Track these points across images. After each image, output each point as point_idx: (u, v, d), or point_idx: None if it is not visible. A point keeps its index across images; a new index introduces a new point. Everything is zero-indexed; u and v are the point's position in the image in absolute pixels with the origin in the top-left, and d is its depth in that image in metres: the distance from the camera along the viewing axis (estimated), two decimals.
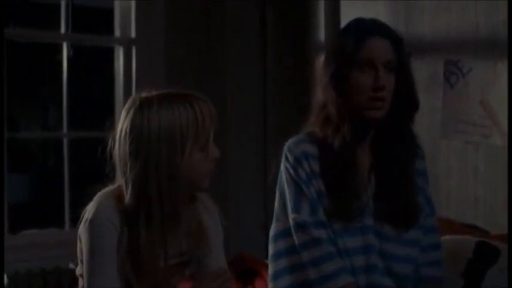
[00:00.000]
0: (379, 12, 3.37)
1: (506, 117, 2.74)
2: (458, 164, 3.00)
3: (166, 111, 1.69)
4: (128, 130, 1.70)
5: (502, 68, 2.78)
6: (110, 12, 3.81)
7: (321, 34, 3.67)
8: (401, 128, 1.84)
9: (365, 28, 1.82)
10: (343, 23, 3.53)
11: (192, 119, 1.69)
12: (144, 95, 1.74)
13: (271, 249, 1.92)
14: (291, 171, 1.84)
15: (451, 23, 3.03)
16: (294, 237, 1.84)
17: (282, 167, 1.88)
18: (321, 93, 1.85)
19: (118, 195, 1.74)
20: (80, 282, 1.84)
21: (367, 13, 3.41)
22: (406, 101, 1.83)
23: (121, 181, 1.74)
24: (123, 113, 1.74)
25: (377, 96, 1.77)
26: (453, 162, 3.02)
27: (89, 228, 1.72)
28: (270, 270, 1.91)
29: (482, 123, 2.88)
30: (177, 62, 3.73)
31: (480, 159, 2.90)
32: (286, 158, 1.86)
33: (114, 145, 1.75)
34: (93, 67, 5.72)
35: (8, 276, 3.12)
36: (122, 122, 1.73)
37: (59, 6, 3.75)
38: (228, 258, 3.77)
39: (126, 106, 1.74)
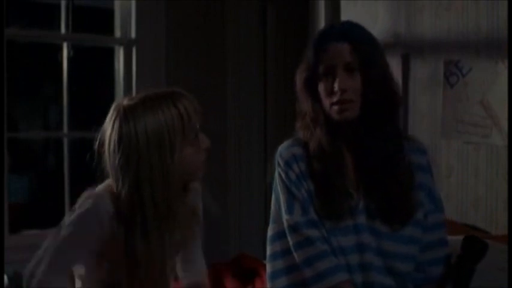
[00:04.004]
0: (379, 12, 3.37)
1: (506, 117, 2.74)
2: (458, 164, 3.00)
3: (152, 115, 1.69)
4: (116, 142, 1.70)
5: (502, 68, 2.78)
6: (110, 12, 3.82)
7: None
8: (379, 125, 1.85)
9: (322, 37, 1.88)
10: None
11: (177, 118, 1.71)
12: (126, 102, 1.74)
13: (268, 251, 1.95)
14: (283, 174, 1.90)
15: (451, 23, 3.03)
16: (288, 238, 1.87)
17: (276, 172, 1.94)
18: (300, 100, 1.94)
19: (111, 197, 1.74)
20: (77, 283, 1.84)
21: (367, 13, 3.43)
22: (378, 99, 1.83)
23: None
24: (109, 123, 1.73)
25: (337, 100, 1.82)
26: (453, 162, 3.02)
27: (79, 217, 1.71)
28: (268, 270, 1.94)
29: (482, 123, 2.87)
30: (177, 62, 3.73)
31: (481, 159, 2.90)
32: (278, 163, 1.93)
33: (103, 151, 1.76)
34: (94, 67, 5.71)
35: (8, 276, 3.12)
36: (110, 134, 1.72)
37: (59, 6, 3.75)
38: (229, 258, 3.79)
39: (111, 115, 1.74)
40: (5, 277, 3.00)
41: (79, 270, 1.82)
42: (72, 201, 3.53)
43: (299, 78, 1.92)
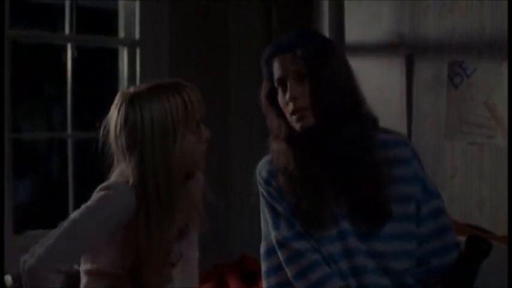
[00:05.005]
0: (383, 13, 3.37)
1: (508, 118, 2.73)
2: (462, 165, 2.99)
3: (157, 102, 1.74)
4: (122, 124, 1.75)
5: (506, 68, 2.78)
6: (114, 13, 3.82)
7: (325, 35, 3.67)
8: (340, 128, 1.82)
9: (267, 53, 1.88)
10: (348, 24, 3.54)
11: (181, 106, 1.75)
12: (132, 89, 1.80)
13: (262, 268, 1.94)
14: (264, 192, 1.91)
15: (456, 24, 3.02)
16: (279, 254, 1.87)
17: (259, 190, 1.94)
18: (265, 116, 1.93)
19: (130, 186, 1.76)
20: (83, 279, 1.85)
21: (371, 13, 3.42)
22: (333, 102, 1.81)
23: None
24: (115, 109, 1.78)
25: (292, 109, 1.82)
26: (458, 163, 3.01)
27: (98, 206, 1.73)
28: (264, 286, 1.94)
29: (487, 124, 2.87)
30: (181, 62, 3.73)
31: (485, 160, 2.89)
32: (259, 181, 1.93)
33: (108, 140, 1.80)
34: (98, 68, 5.72)
35: (12, 277, 3.13)
36: (116, 118, 1.77)
37: (63, 7, 3.75)
38: (229, 258, 3.78)
39: (116, 102, 1.79)
40: (10, 277, 3.01)
41: (85, 265, 1.84)
42: (77, 202, 3.57)
43: (262, 95, 1.92)
